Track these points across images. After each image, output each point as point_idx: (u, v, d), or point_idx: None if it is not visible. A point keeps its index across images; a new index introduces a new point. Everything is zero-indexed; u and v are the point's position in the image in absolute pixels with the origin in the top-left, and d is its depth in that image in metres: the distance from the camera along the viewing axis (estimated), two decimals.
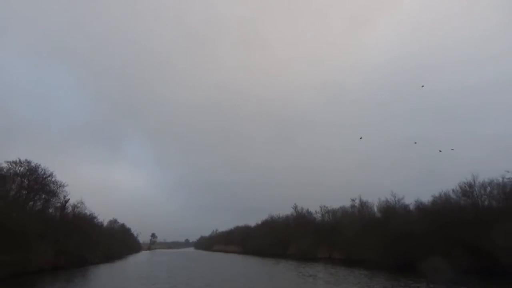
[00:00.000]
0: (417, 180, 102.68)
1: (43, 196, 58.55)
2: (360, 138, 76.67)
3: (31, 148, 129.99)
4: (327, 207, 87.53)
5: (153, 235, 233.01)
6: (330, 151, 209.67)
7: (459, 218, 39.54)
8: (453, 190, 44.24)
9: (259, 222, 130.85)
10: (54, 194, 59.58)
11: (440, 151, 48.50)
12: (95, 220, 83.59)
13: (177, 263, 71.46)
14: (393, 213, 55.91)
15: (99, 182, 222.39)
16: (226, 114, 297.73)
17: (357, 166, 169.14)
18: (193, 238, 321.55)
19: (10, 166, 54.05)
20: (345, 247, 64.31)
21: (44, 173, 57.09)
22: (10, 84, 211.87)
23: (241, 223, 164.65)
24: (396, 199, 64.45)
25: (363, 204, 70.16)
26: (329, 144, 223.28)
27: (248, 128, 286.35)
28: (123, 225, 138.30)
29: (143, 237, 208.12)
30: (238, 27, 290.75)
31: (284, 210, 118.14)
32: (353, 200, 77.40)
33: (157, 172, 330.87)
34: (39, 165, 56.90)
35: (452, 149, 48.21)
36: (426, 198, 55.37)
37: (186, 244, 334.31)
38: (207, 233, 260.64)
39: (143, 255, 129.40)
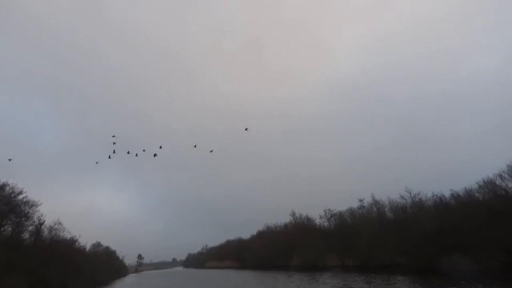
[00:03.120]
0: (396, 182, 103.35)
1: (14, 219, 49.81)
2: None
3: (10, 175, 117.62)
4: (331, 210, 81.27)
5: (139, 257, 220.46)
6: (313, 160, 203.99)
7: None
8: (500, 176, 38.55)
9: (254, 234, 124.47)
10: (26, 215, 50.81)
11: None
12: (76, 243, 74.32)
13: (174, 286, 63.03)
14: (423, 210, 49.94)
15: (79, 206, 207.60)
16: (207, 131, 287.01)
17: (345, 171, 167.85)
18: (180, 256, 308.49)
19: None
20: (362, 252, 57.88)
21: (13, 192, 48.53)
22: None
23: (230, 237, 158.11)
24: (412, 195, 59.58)
25: (376, 203, 64.09)
26: (314, 152, 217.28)
27: (229, 144, 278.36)
28: (107, 248, 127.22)
29: (129, 259, 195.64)
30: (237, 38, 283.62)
31: (274, 220, 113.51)
32: (361, 201, 71.75)
33: (138, 191, 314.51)
34: (7, 183, 48.49)
35: None
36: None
37: (174, 263, 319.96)
38: (194, 250, 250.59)
39: (131, 279, 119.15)
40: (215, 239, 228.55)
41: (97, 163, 58.84)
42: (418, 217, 46.41)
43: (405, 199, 59.54)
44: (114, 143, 52.70)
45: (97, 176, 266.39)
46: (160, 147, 55.57)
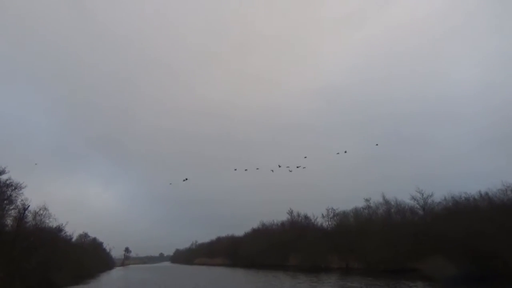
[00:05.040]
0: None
1: None
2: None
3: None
4: (334, 210, 77.74)
5: (126, 250, 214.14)
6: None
7: None
8: None
9: (248, 231, 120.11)
10: (8, 198, 46.04)
11: None
12: (62, 232, 69.32)
13: (166, 283, 58.41)
14: (444, 213, 46.31)
15: (66, 194, 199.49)
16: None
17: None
18: (168, 251, 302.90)
19: None
20: (370, 255, 54.28)
21: None
22: None
23: (221, 234, 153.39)
24: (423, 196, 56.58)
25: (387, 203, 60.40)
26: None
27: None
28: (94, 239, 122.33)
29: (115, 252, 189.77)
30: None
31: (270, 218, 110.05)
32: (367, 200, 68.26)
33: (127, 184, 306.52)
34: None
35: None
36: None
37: (161, 258, 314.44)
38: (182, 246, 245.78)
39: (117, 272, 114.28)
40: (205, 236, 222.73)
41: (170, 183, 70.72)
42: (438, 220, 42.94)
43: (416, 200, 56.83)
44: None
45: (87, 167, 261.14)
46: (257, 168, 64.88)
